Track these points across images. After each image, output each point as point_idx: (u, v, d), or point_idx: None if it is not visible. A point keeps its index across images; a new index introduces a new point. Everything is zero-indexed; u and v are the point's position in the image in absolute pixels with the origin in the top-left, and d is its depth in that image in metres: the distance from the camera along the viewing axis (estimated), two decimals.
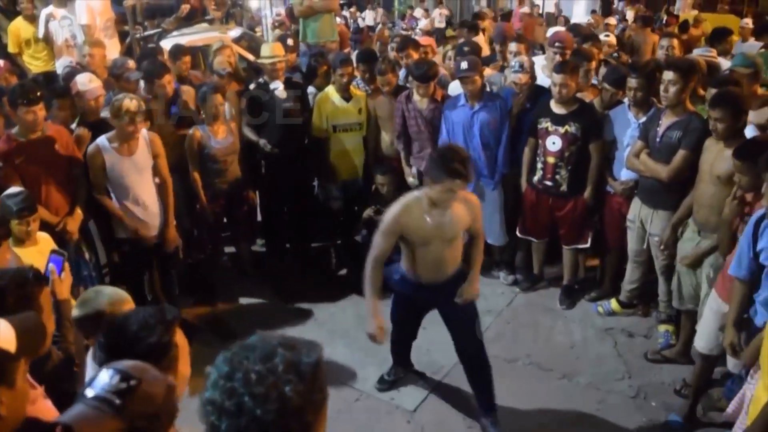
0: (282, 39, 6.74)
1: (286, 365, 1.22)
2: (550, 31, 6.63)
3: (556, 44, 5.55)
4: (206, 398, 1.24)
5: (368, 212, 5.35)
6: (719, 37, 6.73)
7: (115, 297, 2.50)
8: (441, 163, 3.29)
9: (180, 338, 1.90)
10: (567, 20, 12.65)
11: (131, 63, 5.43)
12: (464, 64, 4.93)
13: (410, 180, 5.45)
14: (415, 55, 5.90)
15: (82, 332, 2.55)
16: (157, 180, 4.59)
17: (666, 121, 4.30)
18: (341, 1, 15.76)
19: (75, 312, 2.49)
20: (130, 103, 4.20)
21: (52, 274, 2.71)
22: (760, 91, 4.96)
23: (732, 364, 3.49)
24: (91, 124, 4.66)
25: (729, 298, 3.45)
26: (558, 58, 5.44)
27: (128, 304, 2.47)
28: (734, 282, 3.26)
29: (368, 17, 19.62)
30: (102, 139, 4.34)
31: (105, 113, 4.64)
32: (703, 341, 3.71)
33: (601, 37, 6.13)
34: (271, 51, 5.49)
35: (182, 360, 1.90)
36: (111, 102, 4.33)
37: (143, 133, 4.44)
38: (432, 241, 3.57)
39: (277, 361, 1.22)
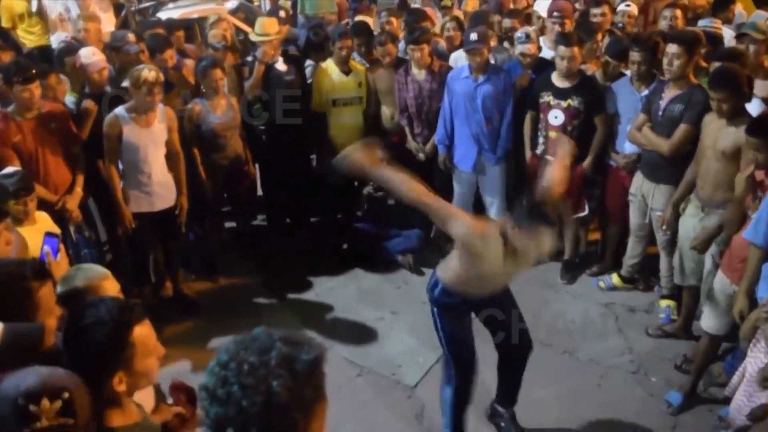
0: (274, 11, 6.66)
1: (281, 360, 1.23)
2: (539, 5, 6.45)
3: (555, 14, 5.47)
4: (203, 384, 1.26)
5: (368, 189, 5.33)
6: (722, 5, 6.63)
7: (91, 273, 2.45)
8: (534, 217, 2.88)
9: (141, 334, 1.85)
10: None
11: (131, 36, 5.37)
12: (474, 35, 4.87)
13: (420, 156, 5.42)
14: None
15: (67, 311, 2.52)
16: (165, 152, 4.56)
17: (668, 94, 4.25)
18: None
19: (57, 290, 2.45)
20: (148, 73, 4.21)
21: (47, 256, 2.69)
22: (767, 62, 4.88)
23: (743, 337, 3.48)
24: (96, 97, 4.63)
25: (736, 277, 3.44)
26: (557, 28, 5.38)
27: (107, 281, 2.42)
28: (750, 248, 3.24)
29: None
30: (120, 109, 4.33)
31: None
32: (709, 321, 3.70)
33: (622, 6, 5.97)
34: (263, 29, 5.39)
35: (141, 356, 1.85)
36: (130, 73, 4.32)
37: (159, 106, 4.42)
38: (497, 276, 3.20)
39: (272, 354, 1.23)
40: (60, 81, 4.62)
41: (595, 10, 5.61)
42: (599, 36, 5.22)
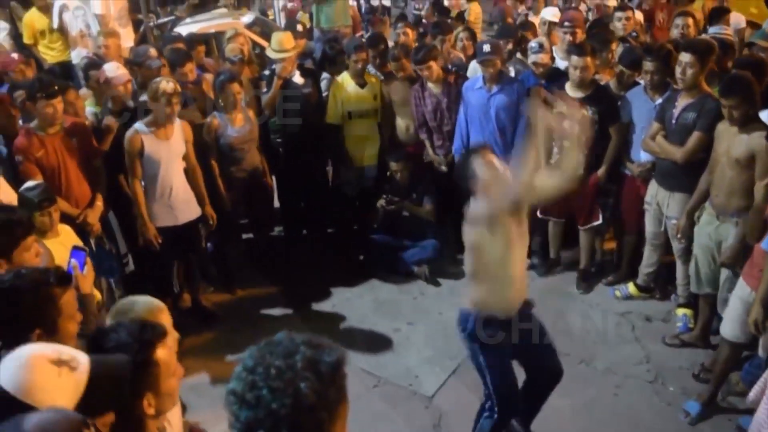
0: (291, 25, 6.74)
1: (306, 363, 1.27)
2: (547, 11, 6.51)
3: (566, 24, 5.51)
4: (230, 389, 1.30)
5: (381, 203, 5.40)
6: (717, 16, 6.71)
7: (147, 306, 2.41)
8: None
9: (164, 354, 1.88)
10: None
11: (153, 51, 5.49)
12: (486, 47, 4.92)
13: (443, 168, 5.46)
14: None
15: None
16: (184, 166, 4.64)
17: (681, 102, 4.26)
18: None
19: (107, 321, 2.45)
20: (167, 85, 4.29)
21: (74, 269, 2.75)
22: None
23: (763, 349, 3.47)
24: (118, 113, 4.71)
25: (756, 285, 3.42)
26: (569, 38, 5.41)
27: (163, 314, 2.40)
28: (766, 258, 3.24)
29: None
30: (139, 124, 4.40)
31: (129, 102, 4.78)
32: (730, 329, 3.67)
33: (619, 13, 6.04)
34: (280, 45, 5.46)
35: (164, 376, 1.88)
36: (149, 86, 4.39)
37: (176, 119, 4.50)
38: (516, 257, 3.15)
39: (297, 357, 1.28)
40: (78, 96, 4.72)
41: (619, 14, 5.67)
42: (613, 45, 5.24)
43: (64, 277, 2.29)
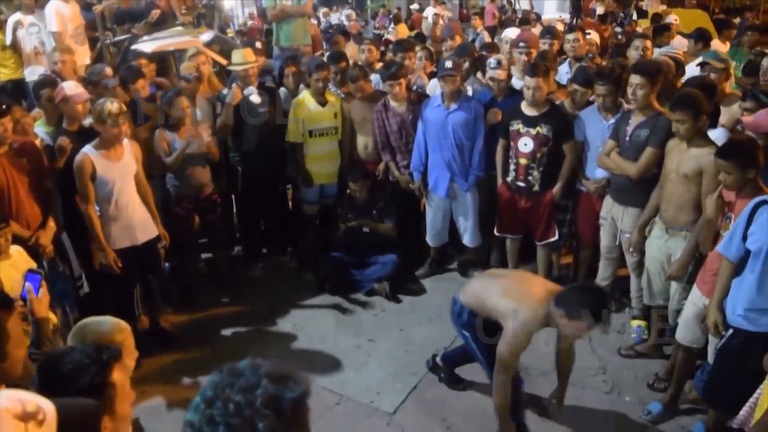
0: (249, 44, 6.77)
1: (266, 399, 1.23)
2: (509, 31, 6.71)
3: (521, 44, 5.65)
4: (187, 419, 1.26)
5: (341, 227, 5.45)
6: (659, 32, 7.06)
7: (106, 327, 2.40)
8: (590, 303, 3.17)
9: (119, 376, 1.85)
10: (538, 17, 12.77)
11: (108, 70, 5.44)
12: (448, 63, 5.02)
13: (412, 186, 5.51)
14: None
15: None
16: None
17: (635, 120, 4.40)
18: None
19: (68, 343, 2.39)
20: (111, 105, 4.22)
21: (29, 293, 2.68)
22: (729, 89, 5.07)
23: (711, 354, 3.61)
24: (72, 134, 4.63)
25: (706, 290, 3.57)
26: (524, 58, 5.55)
27: (128, 334, 2.39)
28: (722, 261, 3.36)
29: (342, 16, 19.55)
30: (88, 147, 4.31)
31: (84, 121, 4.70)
32: (685, 333, 3.81)
33: (570, 36, 6.21)
34: (243, 57, 5.52)
35: (120, 399, 1.85)
36: (93, 109, 4.33)
37: (125, 140, 4.44)
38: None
39: (258, 393, 1.24)
40: (25, 114, 4.61)
41: (569, 36, 5.89)
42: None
43: (6, 301, 2.22)
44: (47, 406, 1.45)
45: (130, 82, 5.19)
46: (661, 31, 7.18)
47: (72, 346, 1.93)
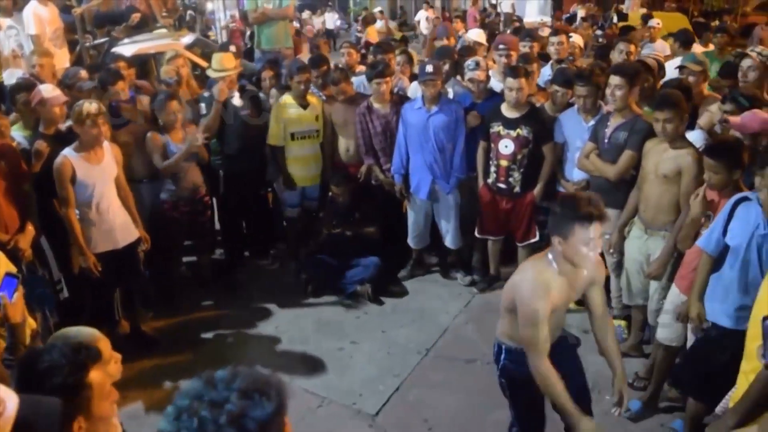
0: (225, 47, 6.78)
1: (231, 418, 1.22)
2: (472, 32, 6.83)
3: (500, 47, 5.69)
4: (160, 429, 1.26)
5: (324, 233, 5.46)
6: (626, 32, 7.20)
7: (92, 337, 2.34)
8: (567, 213, 2.81)
9: (98, 377, 1.85)
10: (520, 20, 12.88)
11: (83, 73, 5.40)
12: (429, 68, 5.04)
13: (397, 188, 5.47)
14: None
15: None
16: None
17: (613, 122, 4.45)
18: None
19: None
20: (90, 106, 4.18)
21: (3, 299, 2.64)
22: (706, 91, 5.14)
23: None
24: (49, 138, 4.58)
25: (684, 286, 3.63)
26: (504, 60, 5.59)
27: (103, 343, 2.39)
28: (702, 255, 3.41)
29: (328, 20, 19.57)
30: (68, 150, 4.27)
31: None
32: (665, 332, 3.87)
33: (554, 38, 6.28)
34: (220, 64, 5.47)
35: (98, 400, 1.85)
36: (72, 110, 4.28)
37: (105, 142, 4.41)
38: (561, 307, 3.00)
39: (226, 408, 1.23)
40: (3, 116, 4.56)
41: (553, 39, 5.96)
42: (534, 65, 5.50)
43: None
44: (10, 401, 1.49)
45: (109, 84, 5.16)
46: (627, 32, 7.31)
47: (53, 344, 1.91)
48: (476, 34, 6.65)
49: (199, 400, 1.24)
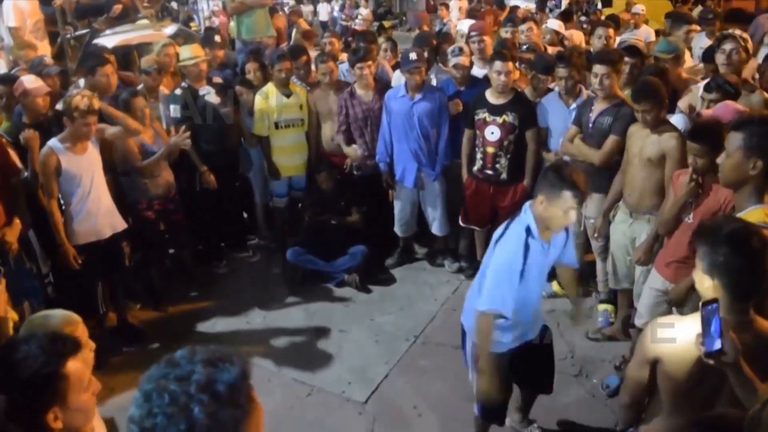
0: (208, 37, 6.71)
1: (200, 385, 1.24)
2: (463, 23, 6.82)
3: (473, 33, 5.71)
4: (130, 416, 1.27)
5: (306, 220, 5.44)
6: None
7: (55, 321, 2.36)
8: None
9: (75, 367, 1.84)
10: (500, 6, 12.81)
11: (47, 59, 5.42)
12: (413, 56, 5.03)
13: (383, 176, 5.48)
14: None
15: None
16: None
17: (598, 107, 4.46)
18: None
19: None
20: (80, 101, 4.13)
21: None
22: (684, 74, 5.16)
23: None
24: (33, 127, 4.51)
25: (667, 274, 3.62)
26: (477, 46, 5.60)
27: (79, 327, 2.35)
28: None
29: (322, 11, 19.36)
30: (53, 141, 4.24)
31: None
32: (642, 317, 3.87)
33: (523, 26, 6.33)
34: (191, 52, 5.41)
35: (75, 391, 1.84)
36: (64, 101, 4.26)
37: None
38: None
39: (192, 379, 1.25)
40: None
41: (523, 26, 5.91)
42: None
43: None
44: None
45: (98, 65, 5.06)
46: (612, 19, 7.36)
47: (33, 334, 1.90)
48: (467, 25, 6.60)
49: (165, 378, 1.26)
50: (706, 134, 3.38)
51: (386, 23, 7.62)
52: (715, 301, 2.01)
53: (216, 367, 1.28)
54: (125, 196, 4.95)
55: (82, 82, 5.29)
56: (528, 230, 2.93)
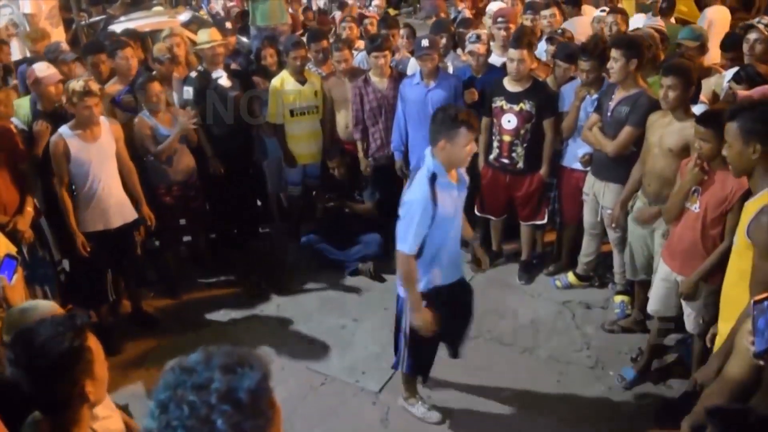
0: (219, 23, 6.68)
1: (221, 395, 1.17)
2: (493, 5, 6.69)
3: (499, 20, 5.60)
4: (145, 427, 1.20)
5: (320, 208, 5.41)
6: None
7: (36, 313, 2.29)
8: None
9: (93, 342, 1.86)
10: None
11: (64, 45, 5.38)
12: (425, 42, 4.96)
13: (397, 165, 5.45)
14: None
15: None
16: (117, 166, 4.49)
17: (618, 96, 4.37)
18: None
19: (6, 338, 2.24)
20: (75, 84, 4.12)
21: (2, 281, 2.61)
22: (706, 63, 5.07)
23: (690, 325, 3.66)
24: (48, 116, 4.54)
25: (675, 266, 3.61)
26: (503, 33, 5.51)
27: (57, 311, 2.35)
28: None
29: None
30: (63, 128, 4.23)
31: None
32: (654, 306, 3.90)
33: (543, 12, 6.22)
34: (209, 36, 5.41)
35: (98, 363, 1.87)
36: (64, 87, 4.24)
37: (102, 119, 4.35)
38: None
39: (212, 388, 1.18)
40: (8, 95, 4.52)
41: (545, 12, 5.86)
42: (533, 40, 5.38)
43: None
44: None
45: (119, 48, 5.07)
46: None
47: (42, 320, 1.88)
48: (497, 7, 6.53)
49: (182, 387, 1.18)
50: (713, 119, 3.32)
51: (391, 11, 7.43)
52: (766, 299, 1.95)
53: (236, 373, 1.20)
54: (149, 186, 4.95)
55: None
56: (433, 177, 3.22)
